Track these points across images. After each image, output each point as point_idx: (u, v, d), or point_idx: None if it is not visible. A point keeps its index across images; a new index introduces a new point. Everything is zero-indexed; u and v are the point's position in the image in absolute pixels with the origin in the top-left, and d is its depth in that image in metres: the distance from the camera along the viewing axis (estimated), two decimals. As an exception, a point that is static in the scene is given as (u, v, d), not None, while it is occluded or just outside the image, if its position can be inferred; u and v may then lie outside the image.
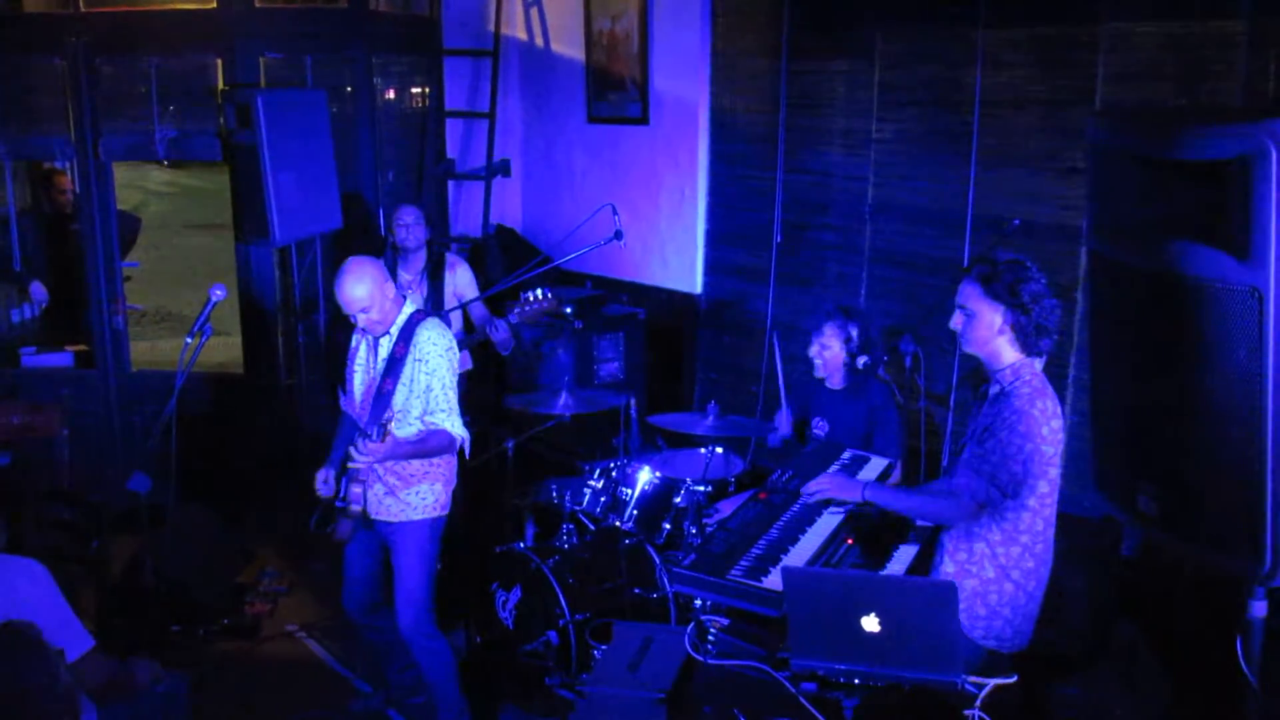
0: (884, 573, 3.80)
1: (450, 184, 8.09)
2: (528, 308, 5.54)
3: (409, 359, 4.38)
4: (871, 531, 4.03)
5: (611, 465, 5.22)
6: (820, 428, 5.13)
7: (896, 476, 4.84)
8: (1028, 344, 3.52)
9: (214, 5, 6.60)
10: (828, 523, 4.03)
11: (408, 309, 4.49)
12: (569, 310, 6.55)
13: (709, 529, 4.51)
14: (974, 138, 5.58)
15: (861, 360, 4.97)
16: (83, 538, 5.63)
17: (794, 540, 3.87)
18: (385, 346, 4.46)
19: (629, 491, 5.08)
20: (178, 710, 3.88)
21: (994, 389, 3.60)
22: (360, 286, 4.29)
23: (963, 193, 5.64)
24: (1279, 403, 2.49)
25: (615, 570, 4.89)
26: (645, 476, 5.08)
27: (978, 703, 3.11)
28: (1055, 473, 3.51)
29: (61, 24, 6.65)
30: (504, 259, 7.73)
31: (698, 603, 3.98)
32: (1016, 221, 5.31)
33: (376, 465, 4.41)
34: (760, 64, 6.65)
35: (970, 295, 3.55)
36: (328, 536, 4.55)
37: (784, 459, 5.10)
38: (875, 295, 6.16)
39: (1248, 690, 2.87)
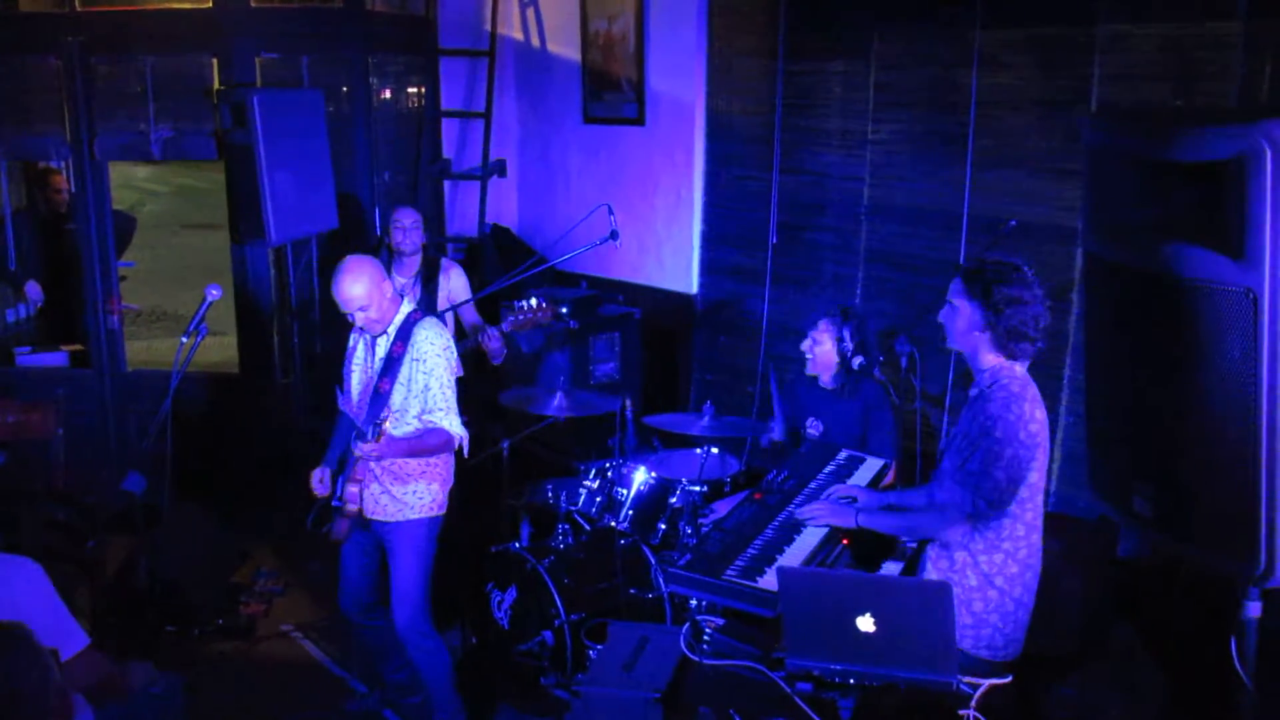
0: (879, 573, 3.80)
1: (446, 184, 8.08)
2: (521, 316, 5.52)
3: (406, 358, 4.38)
4: (867, 532, 4.02)
5: (607, 465, 5.22)
6: (815, 428, 5.13)
7: (891, 477, 4.84)
8: (1001, 346, 3.48)
9: (209, 5, 6.58)
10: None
11: (405, 308, 4.48)
12: (565, 310, 6.55)
13: (704, 529, 4.51)
14: (970, 139, 5.58)
15: (857, 361, 4.97)
16: (78, 538, 5.61)
17: (789, 540, 3.88)
18: (383, 346, 4.45)
19: (624, 492, 5.08)
20: (173, 711, 3.87)
21: (973, 391, 3.58)
22: (358, 285, 4.29)
23: (959, 193, 5.65)
24: (1273, 403, 2.49)
25: (611, 570, 4.89)
26: (641, 477, 5.08)
27: (973, 703, 3.12)
28: (1035, 476, 3.47)
29: (57, 23, 6.64)
30: (500, 259, 7.73)
31: (693, 603, 3.98)
32: (1013, 222, 5.32)
33: (373, 465, 4.41)
34: (756, 65, 6.65)
35: (955, 290, 3.56)
36: (324, 536, 4.54)
37: (779, 459, 5.10)
38: (871, 296, 6.16)
39: (1243, 691, 2.87)
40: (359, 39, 7.03)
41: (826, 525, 3.97)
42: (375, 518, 4.53)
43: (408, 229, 5.89)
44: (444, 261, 6.10)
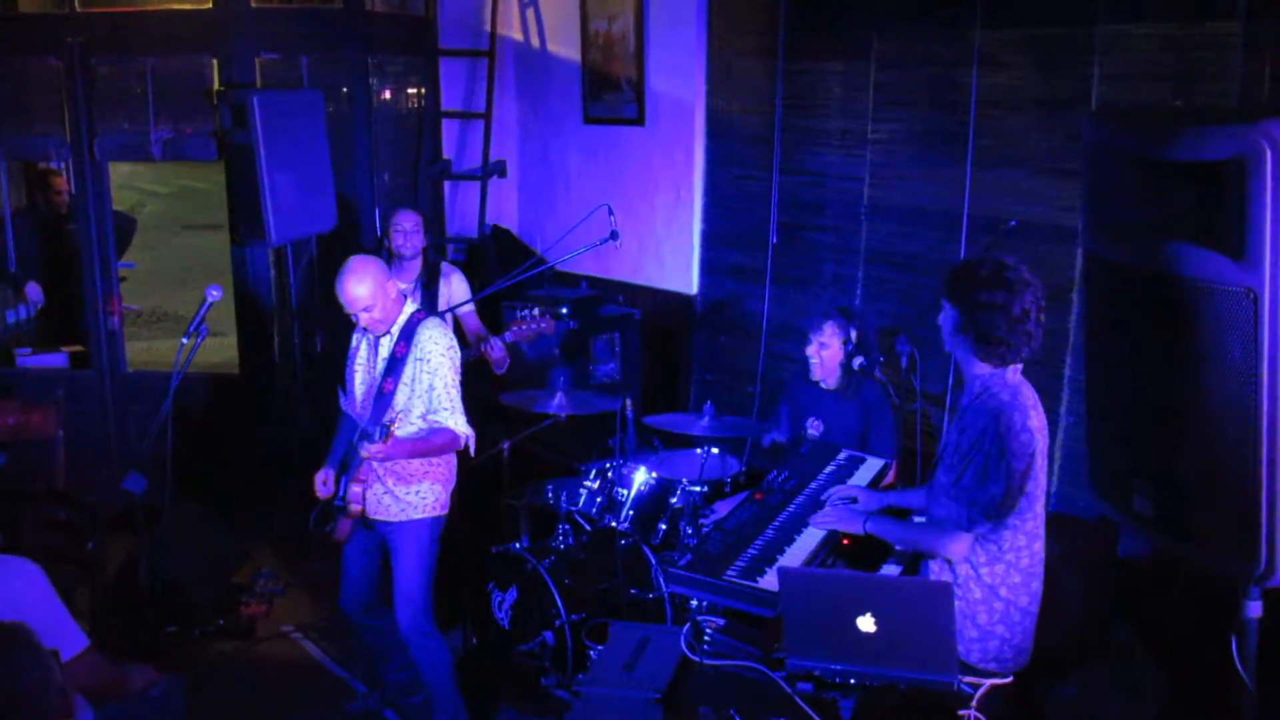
0: (880, 573, 3.80)
1: (446, 184, 8.08)
2: (524, 327, 5.53)
3: (410, 359, 4.38)
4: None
5: (607, 466, 5.22)
6: (815, 428, 5.13)
7: (891, 477, 4.84)
8: (977, 350, 3.37)
9: (209, 5, 6.59)
10: (824, 523, 4.03)
11: (408, 309, 4.48)
12: (564, 310, 6.55)
13: (705, 529, 4.51)
14: (970, 138, 5.58)
15: (857, 361, 4.97)
16: (78, 538, 5.61)
17: (790, 541, 3.88)
18: (386, 346, 4.45)
19: (625, 492, 5.08)
20: (173, 713, 3.87)
21: (963, 401, 3.48)
22: (362, 285, 4.29)
23: (959, 193, 5.65)
24: (1274, 403, 2.49)
25: (611, 571, 4.89)
26: (641, 477, 5.08)
27: (973, 703, 3.12)
28: (1032, 485, 3.36)
29: (57, 24, 6.64)
30: (500, 260, 7.72)
31: (694, 603, 3.98)
32: (1013, 222, 5.32)
33: (376, 465, 4.41)
34: (756, 65, 6.65)
35: (944, 292, 3.48)
36: (326, 536, 4.55)
37: (780, 459, 5.10)
38: (871, 296, 6.16)
39: (1243, 690, 2.87)
40: (359, 39, 7.03)
41: (835, 529, 3.96)
42: (378, 518, 4.53)
43: (408, 232, 5.81)
44: (444, 266, 6.05)
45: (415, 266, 5.88)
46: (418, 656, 4.59)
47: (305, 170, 6.12)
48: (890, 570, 3.84)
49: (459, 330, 5.98)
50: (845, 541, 3.99)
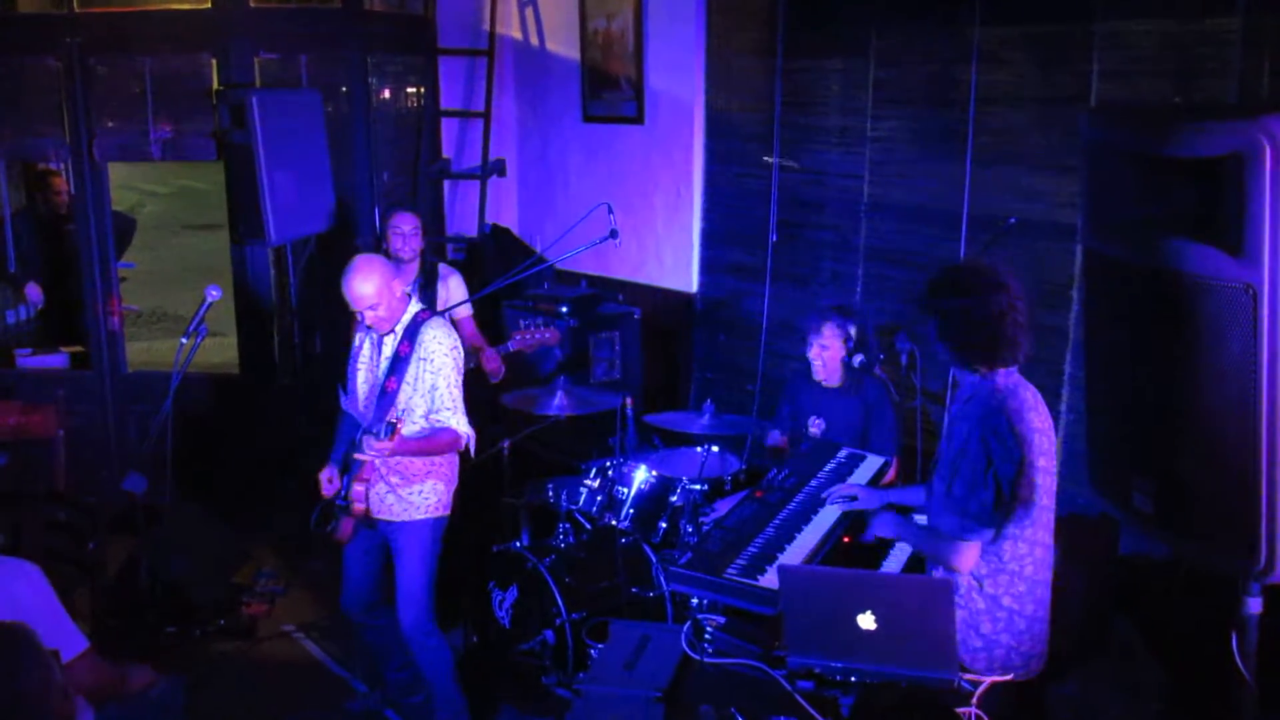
0: (880, 571, 3.80)
1: (445, 184, 8.08)
2: (527, 337, 5.54)
3: (414, 358, 4.39)
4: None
5: (608, 464, 5.22)
6: (817, 426, 5.13)
7: (892, 475, 4.84)
8: (959, 358, 3.32)
9: (208, 5, 6.59)
10: (824, 521, 4.04)
11: (412, 308, 4.49)
12: (564, 309, 6.55)
13: (705, 528, 4.51)
14: (969, 135, 5.58)
15: (857, 358, 4.97)
16: (78, 539, 5.62)
17: (790, 538, 3.88)
18: (389, 345, 4.45)
19: (625, 490, 5.08)
20: (174, 713, 3.87)
21: (954, 408, 3.42)
22: (368, 284, 4.29)
23: (958, 190, 5.64)
24: (1273, 399, 2.49)
25: (612, 569, 4.89)
26: (641, 475, 5.08)
27: (974, 700, 3.12)
28: (1027, 491, 3.28)
29: (56, 24, 6.64)
30: (500, 258, 7.72)
31: (694, 601, 3.98)
32: (1012, 219, 5.32)
33: (379, 463, 4.41)
34: (755, 62, 6.65)
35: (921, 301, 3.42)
36: (328, 535, 4.55)
37: (780, 457, 5.10)
38: (871, 293, 6.16)
39: (1244, 687, 2.88)
40: (358, 39, 7.03)
41: (855, 505, 4.00)
42: (381, 517, 4.53)
43: (407, 235, 5.75)
44: (442, 268, 6.03)
45: (413, 269, 5.84)
46: (419, 656, 4.60)
47: (304, 170, 6.12)
48: (892, 566, 3.85)
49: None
50: (846, 540, 3.99)
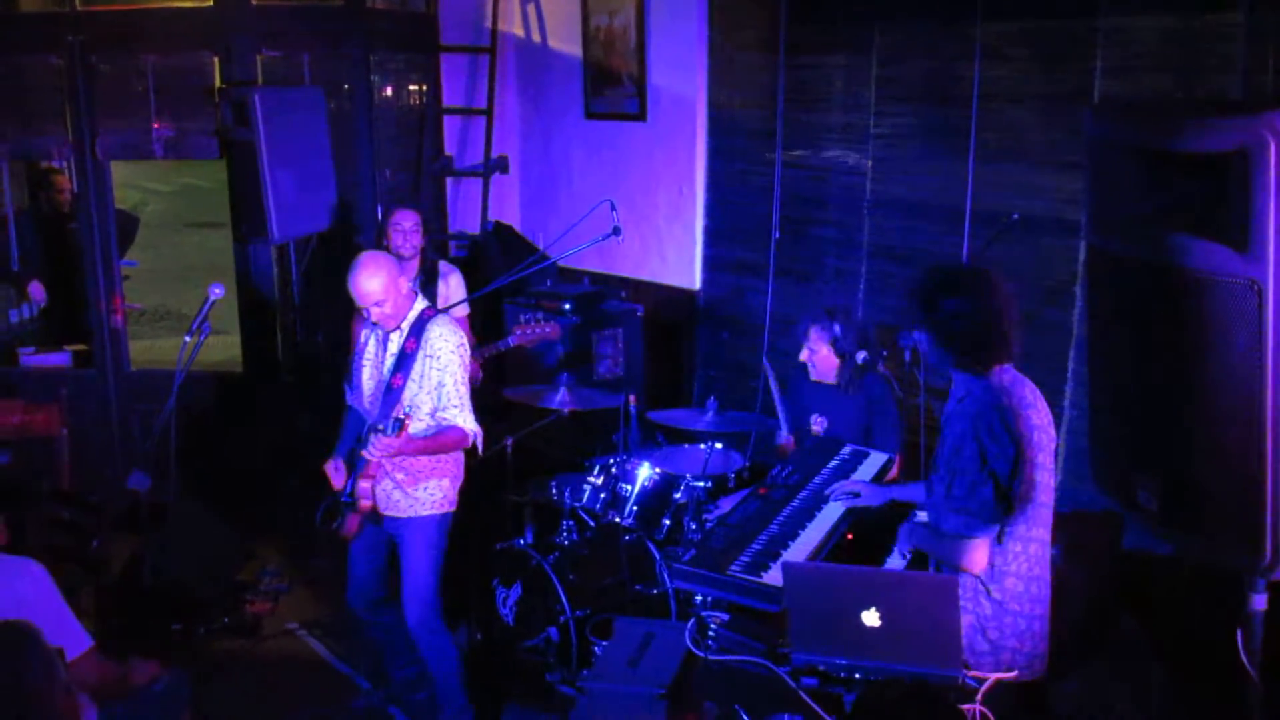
0: (884, 567, 3.80)
1: (448, 181, 8.08)
2: (528, 331, 5.54)
3: (419, 355, 4.38)
4: (871, 526, 4.03)
5: (611, 461, 5.22)
6: (819, 424, 5.12)
7: (895, 471, 4.84)
8: (950, 360, 3.32)
9: (210, 3, 6.58)
10: (828, 518, 4.03)
11: (418, 305, 4.48)
12: (567, 306, 6.55)
13: (709, 525, 4.51)
14: (972, 132, 5.57)
15: (861, 355, 4.96)
16: (82, 537, 5.63)
17: (794, 535, 3.88)
18: (395, 342, 4.45)
19: (629, 488, 5.08)
20: (178, 709, 3.88)
21: (949, 406, 3.41)
22: (374, 280, 4.29)
23: (961, 187, 5.64)
24: (1278, 395, 2.49)
25: (615, 566, 4.90)
26: (645, 473, 5.08)
27: (978, 697, 3.11)
28: (1023, 488, 3.28)
29: (58, 23, 6.63)
30: (503, 256, 7.72)
31: (698, 598, 3.98)
32: (1015, 216, 5.31)
33: (385, 461, 4.40)
34: (758, 59, 6.64)
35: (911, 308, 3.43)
36: (333, 532, 4.53)
37: (783, 455, 5.10)
38: (874, 290, 6.15)
39: (1248, 683, 2.87)
40: (360, 36, 7.03)
41: (859, 502, 4.02)
42: (388, 513, 4.53)
43: (408, 231, 5.74)
44: (443, 266, 6.03)
45: (413, 267, 5.82)
46: (425, 653, 4.60)
47: (307, 168, 6.12)
48: (896, 563, 3.84)
49: None
50: (850, 537, 3.99)
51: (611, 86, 7.43)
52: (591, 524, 5.21)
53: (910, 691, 2.95)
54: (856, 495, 4.09)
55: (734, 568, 3.62)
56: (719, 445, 5.31)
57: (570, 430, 5.90)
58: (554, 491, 5.21)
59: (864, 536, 3.99)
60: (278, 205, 5.82)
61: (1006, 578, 3.34)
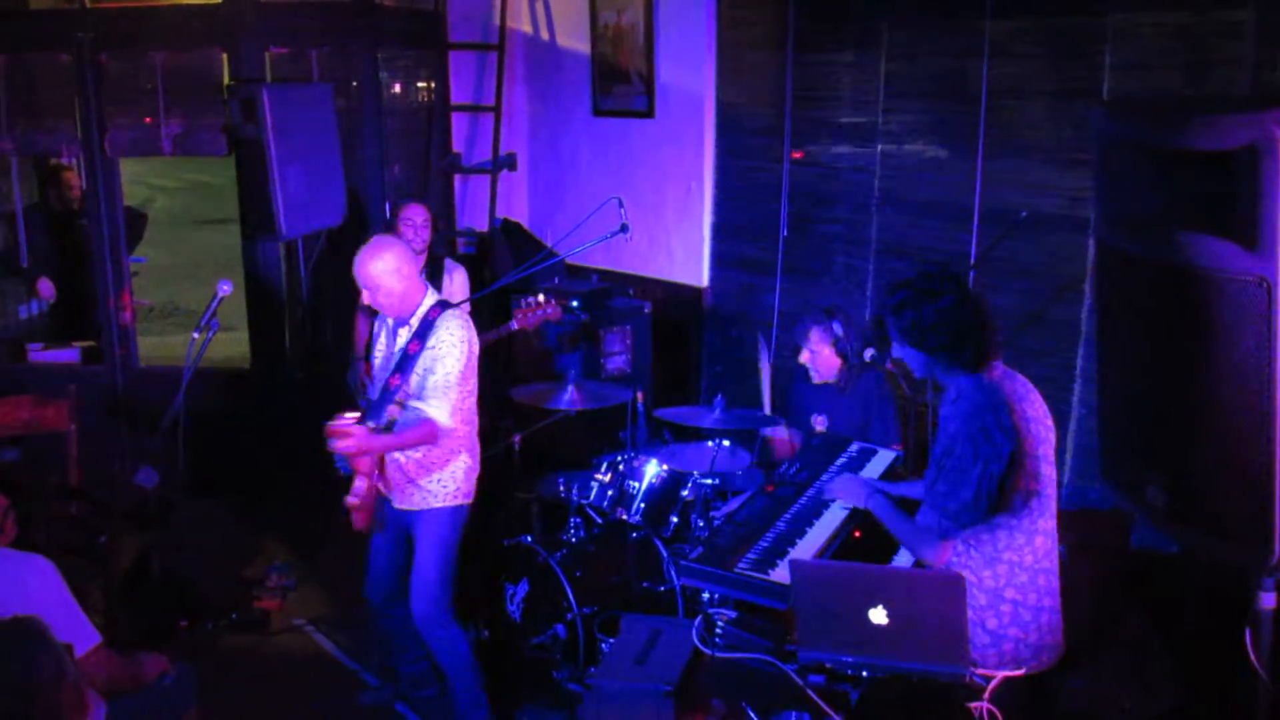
0: (892, 565, 3.80)
1: (456, 178, 8.09)
2: (531, 315, 5.51)
3: (423, 354, 4.32)
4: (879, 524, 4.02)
5: (619, 459, 5.22)
6: (821, 424, 5.12)
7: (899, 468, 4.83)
8: (933, 364, 3.35)
9: (219, 0, 6.59)
10: (835, 515, 4.03)
11: (429, 300, 4.42)
12: (575, 304, 6.55)
13: (716, 522, 4.51)
14: (981, 129, 5.56)
15: (868, 353, 4.95)
16: (91, 533, 5.63)
17: (801, 533, 3.88)
18: (403, 337, 4.41)
19: (636, 485, 5.08)
20: (185, 704, 3.89)
21: (943, 409, 3.42)
22: (376, 264, 4.26)
23: (970, 184, 5.63)
24: (1288, 393, 2.48)
25: (623, 564, 4.90)
26: (652, 470, 5.08)
27: (986, 695, 3.11)
28: (1026, 481, 3.29)
29: (67, 20, 6.65)
30: (511, 253, 7.73)
31: (705, 596, 3.98)
32: (1024, 213, 5.30)
33: (399, 455, 4.38)
34: (766, 56, 6.64)
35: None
36: (349, 523, 4.47)
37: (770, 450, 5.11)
38: (883, 287, 6.14)
39: (1257, 681, 2.86)
40: (368, 33, 7.04)
41: (842, 503, 4.00)
42: (402, 507, 4.52)
43: (418, 226, 5.76)
44: (448, 262, 6.03)
45: (420, 261, 5.84)
46: (434, 648, 4.58)
47: (315, 164, 6.13)
48: (903, 561, 3.84)
49: None
50: (857, 534, 3.99)
51: (620, 84, 7.43)
52: (599, 521, 5.22)
53: (917, 689, 2.95)
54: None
55: (741, 565, 3.62)
56: (726, 443, 5.30)
57: (578, 427, 5.91)
58: (561, 488, 5.20)
59: (872, 534, 3.98)
60: (286, 202, 5.82)
61: (999, 564, 3.34)
